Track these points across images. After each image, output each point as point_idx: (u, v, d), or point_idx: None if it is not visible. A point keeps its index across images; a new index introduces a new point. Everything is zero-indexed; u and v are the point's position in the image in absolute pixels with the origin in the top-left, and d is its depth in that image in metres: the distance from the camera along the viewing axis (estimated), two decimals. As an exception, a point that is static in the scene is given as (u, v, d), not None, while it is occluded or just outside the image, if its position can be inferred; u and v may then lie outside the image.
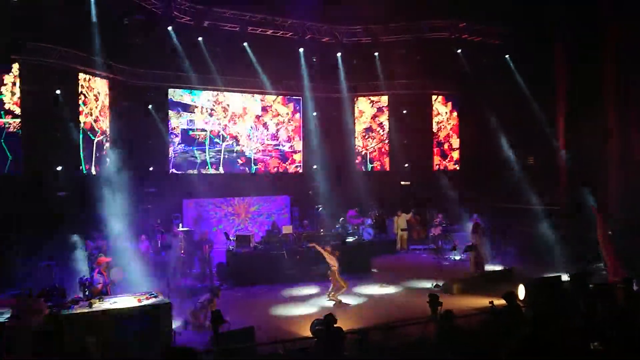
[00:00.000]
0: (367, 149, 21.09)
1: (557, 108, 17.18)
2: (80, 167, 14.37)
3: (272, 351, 8.65)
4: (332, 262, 12.19)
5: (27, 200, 12.59)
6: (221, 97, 18.81)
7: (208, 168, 18.45)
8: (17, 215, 12.30)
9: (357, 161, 21.05)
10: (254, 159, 19.46)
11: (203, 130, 18.44)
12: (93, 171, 15.00)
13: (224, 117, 18.87)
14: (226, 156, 18.81)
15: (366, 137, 21.10)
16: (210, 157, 18.51)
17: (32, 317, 7.30)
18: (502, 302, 8.60)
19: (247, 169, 19.22)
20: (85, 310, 8.48)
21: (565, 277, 11.77)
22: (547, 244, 15.53)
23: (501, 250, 15.41)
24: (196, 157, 18.26)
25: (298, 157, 20.42)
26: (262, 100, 19.64)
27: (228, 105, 18.95)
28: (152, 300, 9.03)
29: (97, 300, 8.82)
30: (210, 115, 18.59)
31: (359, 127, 21.15)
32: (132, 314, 8.64)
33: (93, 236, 12.54)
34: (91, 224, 13.23)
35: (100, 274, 9.73)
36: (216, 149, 18.65)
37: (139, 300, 8.93)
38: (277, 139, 20.03)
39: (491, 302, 8.91)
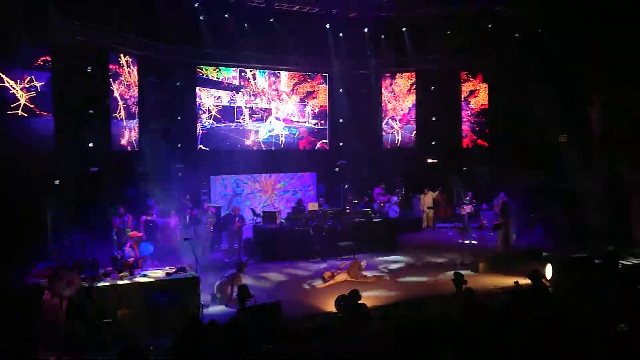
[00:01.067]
0: (393, 126, 20.88)
1: (592, 84, 16.59)
2: (111, 144, 14.65)
3: (297, 326, 8.81)
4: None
5: (60, 176, 12.93)
6: (248, 73, 18.80)
7: (236, 145, 18.56)
8: (50, 191, 12.66)
9: (383, 138, 20.87)
10: (280, 136, 19.49)
11: (230, 106, 18.52)
12: (124, 147, 15.28)
13: (251, 94, 18.89)
14: (253, 133, 18.89)
15: (393, 114, 20.87)
16: (237, 134, 18.61)
17: (66, 289, 7.56)
18: (528, 281, 8.52)
19: (273, 145, 19.27)
20: (117, 282, 8.76)
21: (595, 258, 11.56)
22: (577, 223, 15.24)
23: (530, 229, 15.17)
24: (223, 134, 18.39)
25: (324, 134, 20.35)
26: (288, 77, 19.56)
27: (255, 81, 18.95)
28: (180, 274, 9.26)
29: (128, 273, 9.09)
30: (237, 91, 18.64)
31: (386, 104, 20.90)
32: (161, 287, 8.89)
33: (123, 211, 12.84)
34: (122, 200, 13.55)
35: (131, 248, 10.01)
36: (243, 125, 18.73)
37: (168, 274, 9.17)
38: (304, 116, 19.99)
39: (516, 282, 8.86)
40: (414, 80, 20.31)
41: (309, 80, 20.00)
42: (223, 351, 3.66)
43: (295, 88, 19.76)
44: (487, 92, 20.36)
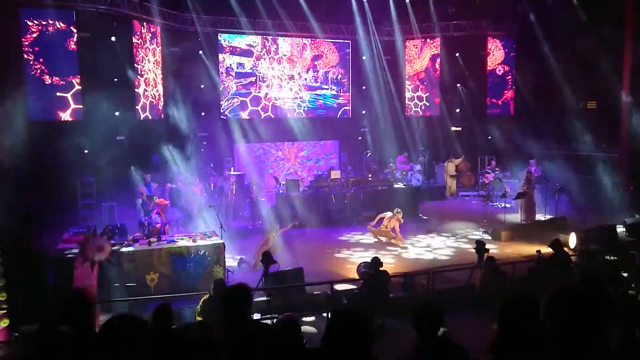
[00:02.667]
0: (417, 93, 20.60)
1: (623, 51, 16.03)
2: (136, 113, 14.84)
3: (319, 291, 9.00)
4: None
5: (88, 144, 13.21)
6: (271, 41, 18.68)
7: (258, 113, 18.61)
8: (80, 159, 12.96)
9: (407, 106, 20.65)
10: (302, 103, 19.45)
11: (253, 74, 18.49)
12: (149, 116, 15.48)
13: (274, 61, 18.81)
14: (276, 100, 18.89)
15: (417, 81, 20.57)
16: (259, 102, 18.64)
17: (97, 254, 7.84)
18: (551, 250, 8.51)
19: (295, 113, 19.25)
20: (145, 248, 9.03)
21: (621, 227, 11.45)
22: (604, 192, 15.01)
23: (555, 198, 14.98)
24: (247, 102, 18.44)
25: (346, 102, 20.22)
26: (312, 44, 19.37)
27: (278, 49, 18.83)
28: (206, 241, 9.49)
29: (155, 239, 9.35)
30: (260, 59, 18.56)
31: (410, 71, 20.59)
32: (187, 253, 9.15)
33: (150, 179, 13.10)
34: (148, 167, 13.81)
35: (158, 215, 10.25)
36: (266, 93, 18.73)
37: (194, 240, 9.40)
38: (327, 83, 19.85)
39: (538, 251, 8.84)
40: (438, 46, 19.89)
41: (331, 47, 19.77)
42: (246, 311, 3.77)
43: (317, 55, 19.57)
44: (513, 58, 19.89)
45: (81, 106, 13.46)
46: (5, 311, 7.33)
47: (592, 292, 3.57)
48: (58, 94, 13.26)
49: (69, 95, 13.37)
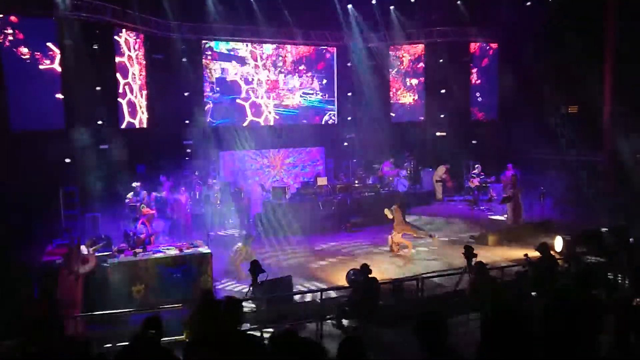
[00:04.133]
0: (402, 99, 20.70)
1: (604, 57, 16.31)
2: (119, 121, 14.67)
3: (309, 300, 8.95)
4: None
5: (71, 154, 13.02)
6: (255, 47, 18.64)
7: (243, 120, 18.52)
8: (62, 169, 12.76)
9: (392, 112, 20.72)
10: (288, 110, 19.41)
11: (237, 81, 18.41)
12: (133, 124, 15.30)
13: (258, 68, 18.76)
14: (260, 107, 18.83)
15: (402, 87, 20.67)
16: (244, 109, 18.56)
17: (81, 266, 7.69)
18: (538, 254, 8.56)
19: (281, 120, 19.20)
20: (130, 259, 8.89)
21: (605, 230, 11.55)
22: (588, 196, 15.21)
23: (539, 202, 15.12)
24: (231, 110, 18.34)
25: (332, 108, 20.24)
26: (296, 50, 19.36)
27: (261, 55, 18.79)
28: (192, 250, 9.38)
29: (141, 249, 9.21)
30: (244, 66, 18.50)
31: (395, 77, 20.68)
32: (174, 263, 9.02)
33: (135, 188, 12.94)
34: (133, 177, 13.63)
35: (143, 225, 10.11)
36: (250, 100, 18.66)
37: (180, 250, 9.29)
38: (312, 90, 19.85)
39: (526, 255, 8.89)
40: (422, 52, 20.03)
41: (316, 53, 19.79)
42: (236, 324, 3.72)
43: (302, 61, 19.58)
44: (496, 63, 20.11)
45: (63, 115, 13.27)
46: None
47: (586, 297, 3.57)
48: (40, 103, 13.06)
49: (51, 104, 13.17)
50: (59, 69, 13.20)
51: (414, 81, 20.35)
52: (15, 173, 11.33)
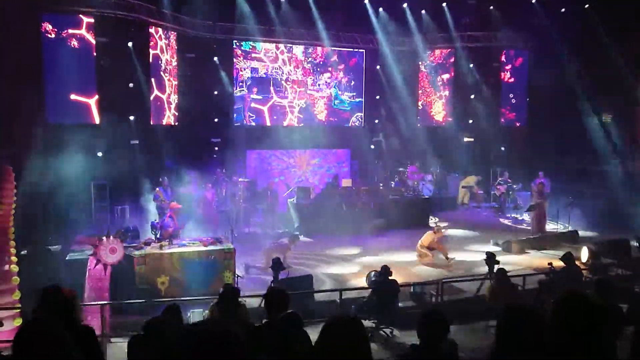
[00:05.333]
0: (430, 104, 20.62)
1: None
2: (150, 118, 15.02)
3: (329, 299, 9.02)
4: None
5: (103, 148, 13.40)
6: (285, 48, 18.83)
7: (271, 119, 18.72)
8: (94, 162, 13.14)
9: (419, 116, 20.66)
10: (315, 111, 19.54)
11: (266, 81, 18.62)
12: (163, 121, 15.65)
13: (288, 69, 18.94)
14: (288, 108, 19.01)
15: (429, 91, 20.59)
16: (272, 109, 18.76)
17: (109, 256, 7.94)
18: (562, 264, 8.46)
19: (308, 121, 19.33)
20: (156, 251, 9.12)
21: (634, 242, 11.33)
22: (618, 207, 14.88)
23: (567, 211, 14.88)
24: (259, 109, 18.57)
25: (359, 110, 20.28)
26: (326, 52, 19.48)
27: (292, 57, 18.98)
28: (216, 246, 9.56)
29: (167, 242, 9.43)
30: (274, 66, 18.71)
31: (424, 81, 20.62)
32: (198, 257, 9.22)
33: (163, 183, 13.25)
34: (161, 172, 13.94)
35: (170, 219, 10.35)
36: (279, 100, 18.85)
37: (205, 245, 9.48)
38: (341, 91, 19.93)
39: (550, 263, 8.78)
40: (453, 57, 19.92)
41: (345, 55, 19.87)
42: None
43: (332, 63, 19.68)
44: (527, 69, 19.85)
45: (97, 110, 13.67)
46: (19, 310, 7.43)
47: (602, 302, 3.55)
48: (74, 97, 13.48)
49: (85, 99, 13.58)
50: (94, 65, 13.59)
51: (443, 86, 20.25)
52: (50, 164, 11.70)
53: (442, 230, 11.87)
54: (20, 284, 7.59)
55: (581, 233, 13.77)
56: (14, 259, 7.61)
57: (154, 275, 8.84)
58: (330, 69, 19.64)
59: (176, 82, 16.50)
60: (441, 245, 11.70)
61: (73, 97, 13.45)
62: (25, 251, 8.94)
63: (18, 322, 7.41)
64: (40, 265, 8.63)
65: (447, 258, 11.51)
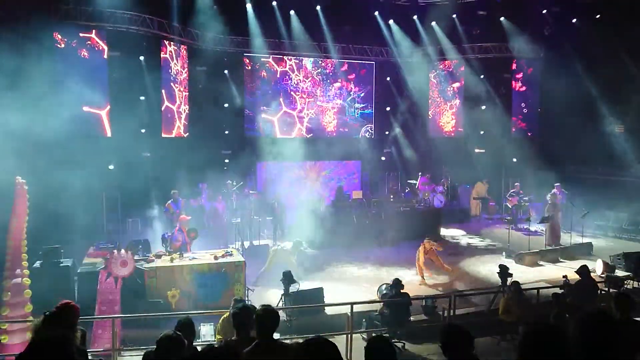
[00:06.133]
0: (440, 113, 20.57)
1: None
2: (162, 130, 15.13)
3: (339, 312, 8.94)
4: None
5: (114, 160, 13.49)
6: (295, 60, 18.94)
7: (281, 132, 18.77)
8: (105, 174, 13.23)
9: (430, 127, 20.62)
10: (325, 123, 19.58)
11: (276, 94, 18.72)
12: (174, 133, 15.76)
13: (298, 78, 19.01)
14: (297, 118, 19.06)
15: (441, 102, 20.55)
16: (282, 120, 18.83)
17: (121, 269, 7.95)
18: (577, 277, 8.33)
19: (318, 132, 19.37)
20: (167, 264, 9.12)
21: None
22: (633, 218, 14.69)
23: (581, 223, 14.69)
24: (270, 121, 18.64)
25: (370, 122, 20.29)
26: (336, 65, 19.55)
27: (301, 67, 19.07)
28: (227, 258, 9.54)
29: (178, 255, 9.43)
30: (284, 78, 18.81)
31: (434, 92, 20.60)
32: (208, 270, 9.20)
33: (174, 195, 13.28)
34: (172, 184, 14.00)
35: (180, 232, 10.35)
36: (288, 110, 18.92)
37: (215, 258, 9.46)
38: (351, 103, 19.97)
39: (565, 276, 8.67)
40: (463, 67, 19.89)
41: (355, 67, 19.93)
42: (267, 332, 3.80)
43: (342, 75, 19.73)
44: (539, 80, 19.75)
45: (108, 122, 13.80)
46: (31, 323, 7.44)
47: (621, 317, 3.48)
48: (87, 109, 13.61)
49: (97, 112, 13.72)
50: (107, 78, 13.75)
51: (453, 95, 20.21)
52: (61, 176, 11.79)
53: (432, 242, 11.59)
54: (32, 297, 7.62)
55: (595, 244, 13.60)
56: (26, 272, 7.64)
57: (164, 289, 8.83)
58: (340, 79, 19.68)
59: (187, 93, 16.61)
60: (435, 256, 11.49)
61: (85, 109, 13.59)
62: (39, 263, 8.99)
63: (30, 334, 7.42)
64: (51, 278, 8.66)
65: (444, 267, 11.41)
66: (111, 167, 13.59)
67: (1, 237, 7.64)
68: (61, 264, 9.16)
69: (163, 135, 15.23)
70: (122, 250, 8.10)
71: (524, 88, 19.90)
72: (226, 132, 17.41)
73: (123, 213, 14.07)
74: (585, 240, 13.77)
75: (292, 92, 18.96)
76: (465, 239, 15.32)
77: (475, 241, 15.06)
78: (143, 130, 14.32)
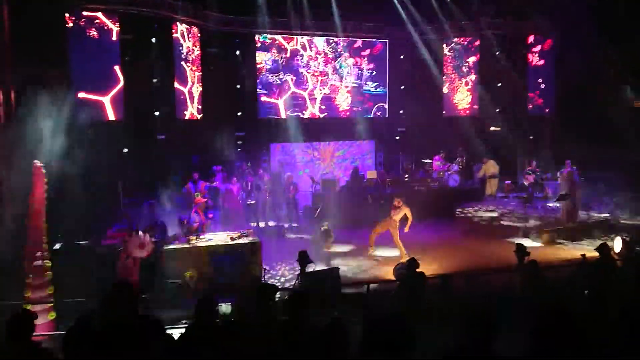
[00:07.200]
0: (455, 93, 20.31)
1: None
2: (175, 112, 15.15)
3: (356, 291, 8.99)
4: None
5: (130, 143, 13.57)
6: (306, 39, 18.75)
7: (294, 112, 18.70)
8: (121, 158, 13.32)
9: (444, 106, 20.38)
10: (338, 103, 19.45)
11: (289, 72, 18.60)
12: (187, 116, 15.77)
13: (309, 54, 18.85)
14: (309, 98, 18.96)
15: (456, 80, 20.27)
16: (295, 101, 18.74)
17: (139, 251, 8.05)
18: (595, 254, 8.23)
19: (331, 112, 19.26)
20: (184, 246, 9.22)
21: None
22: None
23: (599, 201, 14.51)
24: (282, 101, 18.56)
25: (383, 101, 20.11)
26: (348, 42, 19.33)
27: (313, 47, 18.89)
28: (243, 239, 9.61)
29: (194, 237, 9.52)
30: (295, 58, 18.66)
31: (449, 70, 20.30)
32: (225, 251, 9.28)
33: (193, 177, 13.35)
34: (188, 166, 14.08)
35: (196, 213, 10.42)
36: (302, 92, 18.82)
37: (232, 239, 9.54)
38: (363, 83, 19.79)
39: (583, 255, 8.58)
40: (478, 44, 19.54)
41: (368, 45, 19.70)
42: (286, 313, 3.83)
43: (354, 53, 19.53)
44: (555, 57, 19.34)
45: (123, 106, 13.83)
46: (52, 304, 7.60)
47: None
48: (99, 96, 13.65)
49: (111, 96, 13.75)
50: (119, 61, 13.74)
51: (468, 73, 19.91)
52: (78, 161, 11.90)
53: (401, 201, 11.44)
54: (53, 279, 7.76)
55: (614, 223, 13.43)
56: (47, 254, 7.77)
57: (182, 270, 8.93)
58: (352, 57, 19.45)
59: (199, 73, 16.54)
60: (395, 229, 11.32)
61: (100, 95, 13.64)
62: (59, 245, 9.13)
63: (52, 315, 7.58)
64: (71, 260, 8.79)
65: (398, 245, 11.25)
66: (125, 150, 13.67)
67: (21, 220, 7.77)
68: (80, 246, 9.30)
69: (177, 117, 15.25)
70: (140, 232, 8.19)
71: (541, 62, 19.48)
72: (239, 113, 17.38)
73: (139, 196, 14.19)
74: (604, 217, 13.62)
75: (303, 71, 18.81)
76: (480, 218, 15.24)
77: (491, 220, 14.96)
78: (157, 113, 14.35)
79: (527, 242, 10.75)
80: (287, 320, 3.74)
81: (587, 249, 9.29)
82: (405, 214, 11.34)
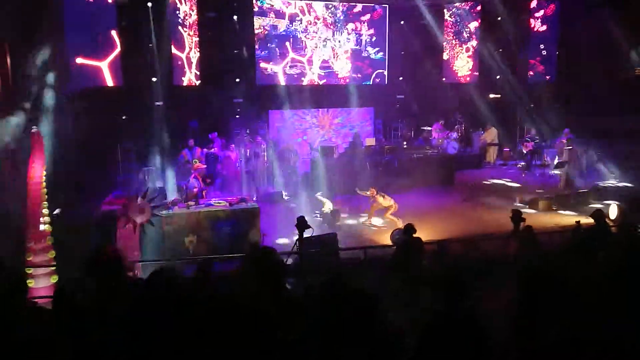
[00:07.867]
0: (455, 60, 20.09)
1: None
2: (173, 79, 15.02)
3: (353, 257, 9.12)
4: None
5: (127, 110, 13.50)
6: (305, 3, 18.43)
7: (292, 78, 18.54)
8: (119, 124, 13.28)
9: (444, 72, 20.18)
10: (336, 68, 19.27)
11: (286, 39, 18.35)
12: (185, 82, 15.63)
13: (308, 19, 18.57)
14: (307, 64, 18.77)
15: (456, 46, 20.02)
16: (294, 67, 18.55)
17: (138, 216, 8.12)
18: (591, 221, 8.32)
19: (330, 79, 19.10)
20: (183, 211, 9.29)
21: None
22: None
23: (597, 169, 14.54)
24: (280, 68, 18.38)
25: (383, 67, 19.92)
26: (347, 7, 19.02)
27: (312, 11, 18.59)
28: (242, 205, 9.69)
29: (193, 203, 9.59)
30: (294, 22, 18.38)
31: (449, 36, 20.03)
32: (224, 217, 9.37)
33: (189, 144, 13.34)
34: (186, 133, 14.04)
35: (195, 179, 10.46)
36: (300, 57, 18.61)
37: (230, 204, 9.62)
38: (362, 48, 19.55)
39: (578, 222, 8.67)
40: (478, 10, 19.22)
41: (367, 10, 19.38)
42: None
43: (353, 18, 19.23)
44: (557, 23, 19.04)
45: (120, 72, 13.68)
46: (54, 268, 7.72)
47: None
48: (97, 61, 13.49)
49: (108, 61, 13.59)
50: (116, 26, 13.53)
51: (469, 38, 19.66)
52: (77, 128, 11.86)
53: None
54: (53, 243, 7.85)
55: (612, 190, 13.50)
56: (47, 219, 7.84)
57: (181, 235, 9.04)
58: (353, 24, 19.16)
59: (197, 38, 16.31)
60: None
61: (97, 61, 13.47)
62: (59, 211, 9.20)
63: (54, 279, 7.71)
64: (70, 225, 8.87)
65: (369, 216, 11.68)
66: (124, 117, 13.61)
67: (22, 186, 7.81)
68: (80, 212, 9.37)
69: (175, 83, 15.12)
70: (139, 198, 8.25)
71: (543, 27, 19.19)
72: (237, 79, 17.22)
73: (138, 162, 14.20)
74: (601, 185, 13.68)
75: (302, 37, 18.55)
76: (479, 185, 15.30)
77: (489, 187, 15.04)
78: (154, 79, 14.22)
79: (523, 209, 10.83)
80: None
81: (583, 216, 9.37)
82: (385, 205, 11.44)
